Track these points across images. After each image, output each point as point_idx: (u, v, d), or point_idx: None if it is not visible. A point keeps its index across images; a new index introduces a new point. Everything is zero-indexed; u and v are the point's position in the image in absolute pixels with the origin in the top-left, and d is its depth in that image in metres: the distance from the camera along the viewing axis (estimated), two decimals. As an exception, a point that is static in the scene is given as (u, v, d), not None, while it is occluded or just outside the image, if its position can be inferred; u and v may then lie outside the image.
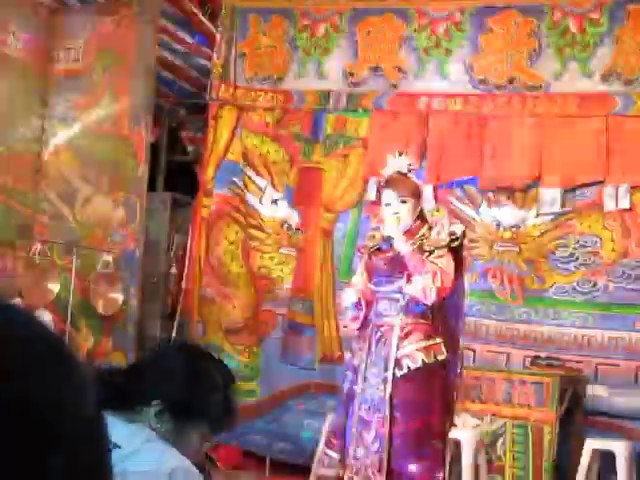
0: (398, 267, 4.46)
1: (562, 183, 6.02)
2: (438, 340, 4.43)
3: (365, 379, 4.47)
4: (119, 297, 6.64)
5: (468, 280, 6.13)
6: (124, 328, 6.69)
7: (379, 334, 4.49)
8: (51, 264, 6.48)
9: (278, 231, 6.78)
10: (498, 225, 6.16)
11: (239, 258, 6.85)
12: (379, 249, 4.64)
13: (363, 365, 4.49)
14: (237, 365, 6.70)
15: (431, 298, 4.36)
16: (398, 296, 4.47)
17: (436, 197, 6.29)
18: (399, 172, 4.59)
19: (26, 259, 6.44)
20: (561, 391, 5.62)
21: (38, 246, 6.43)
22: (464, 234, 4.67)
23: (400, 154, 4.64)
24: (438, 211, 6.28)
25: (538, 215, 6.07)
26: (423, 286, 4.35)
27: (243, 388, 6.68)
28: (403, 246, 4.39)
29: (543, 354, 5.90)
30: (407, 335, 4.44)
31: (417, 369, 4.37)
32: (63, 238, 6.72)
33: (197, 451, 1.97)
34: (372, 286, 4.59)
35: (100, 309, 6.63)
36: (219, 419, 1.97)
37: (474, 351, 6.09)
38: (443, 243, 4.48)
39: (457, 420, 5.71)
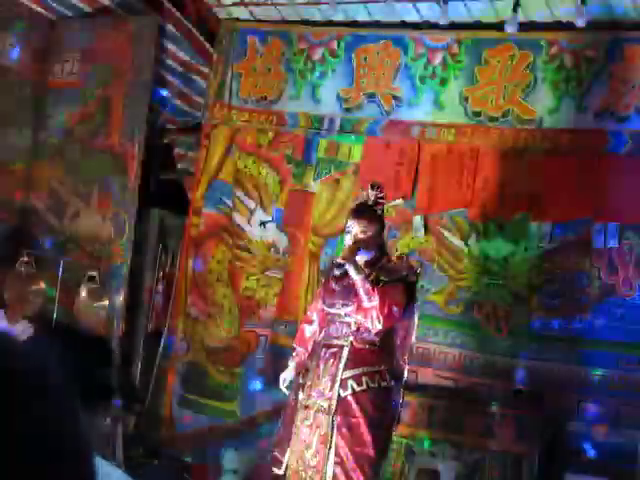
0: (353, 293, 4.59)
1: (551, 218, 6.02)
2: (383, 367, 4.57)
3: (309, 397, 4.60)
4: (103, 312, 6.62)
5: (454, 311, 6.16)
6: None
7: (328, 354, 4.61)
8: (37, 276, 6.45)
9: (265, 253, 6.76)
10: (486, 257, 6.15)
11: (225, 278, 6.83)
12: (338, 273, 4.80)
13: (309, 383, 4.62)
14: (218, 385, 6.70)
15: (376, 325, 4.48)
16: (350, 320, 4.61)
17: (426, 226, 6.28)
18: (366, 203, 4.75)
19: (12, 270, 6.40)
20: (542, 425, 5.62)
21: (24, 258, 6.41)
22: (420, 271, 4.82)
23: (374, 187, 4.79)
24: (427, 241, 6.28)
25: (526, 249, 6.06)
26: (370, 313, 4.47)
27: (223, 409, 6.67)
28: (353, 273, 4.53)
29: (525, 388, 5.90)
30: (355, 358, 4.57)
31: (362, 391, 4.49)
32: (50, 251, 6.70)
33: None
34: (325, 307, 4.74)
35: (83, 323, 6.60)
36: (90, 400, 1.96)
37: (456, 382, 6.08)
38: (398, 276, 4.62)
39: (434, 450, 5.76)
